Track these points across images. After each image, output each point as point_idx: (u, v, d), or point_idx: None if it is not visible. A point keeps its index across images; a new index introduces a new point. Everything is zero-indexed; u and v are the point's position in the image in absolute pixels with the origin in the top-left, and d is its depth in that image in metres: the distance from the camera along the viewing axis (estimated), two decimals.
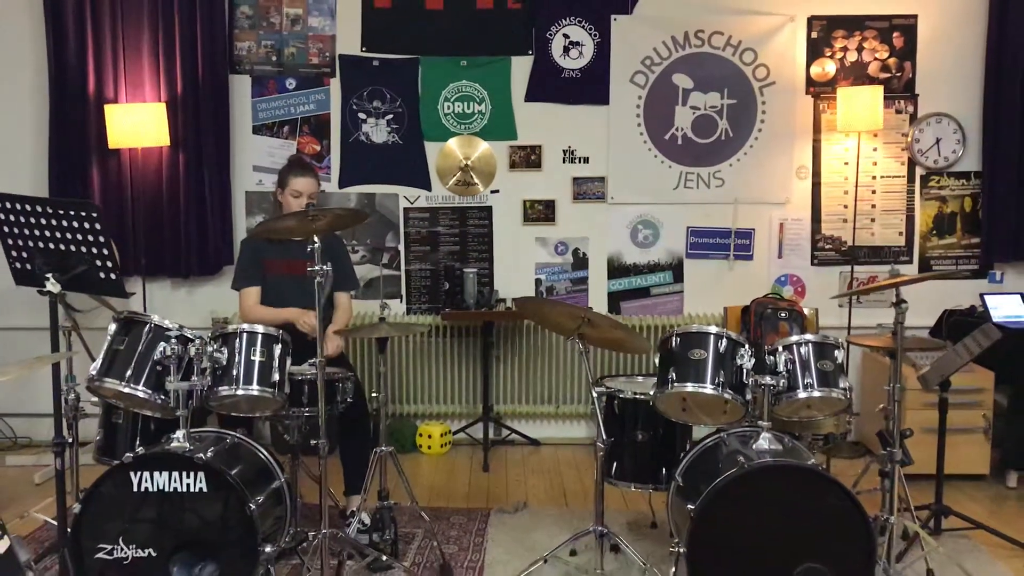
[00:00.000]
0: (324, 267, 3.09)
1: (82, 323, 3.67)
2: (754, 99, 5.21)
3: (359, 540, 3.53)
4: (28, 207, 3.06)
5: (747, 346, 3.25)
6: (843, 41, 5.17)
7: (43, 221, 3.06)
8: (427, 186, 5.27)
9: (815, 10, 5.16)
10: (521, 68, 5.21)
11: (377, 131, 5.23)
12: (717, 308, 5.18)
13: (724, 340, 3.24)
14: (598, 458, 3.26)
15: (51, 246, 3.08)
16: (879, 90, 4.98)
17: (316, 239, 3.08)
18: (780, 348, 3.25)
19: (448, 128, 5.23)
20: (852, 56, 5.18)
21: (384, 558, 3.46)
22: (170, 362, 3.08)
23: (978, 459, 4.52)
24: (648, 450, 3.52)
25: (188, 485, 2.98)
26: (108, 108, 4.88)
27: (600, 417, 3.26)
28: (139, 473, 2.97)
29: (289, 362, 3.32)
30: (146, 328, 3.16)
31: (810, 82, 5.20)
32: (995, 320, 4.59)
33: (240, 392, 3.18)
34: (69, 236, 3.06)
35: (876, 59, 5.18)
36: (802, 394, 3.20)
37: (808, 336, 3.31)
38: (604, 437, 3.23)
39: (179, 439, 3.07)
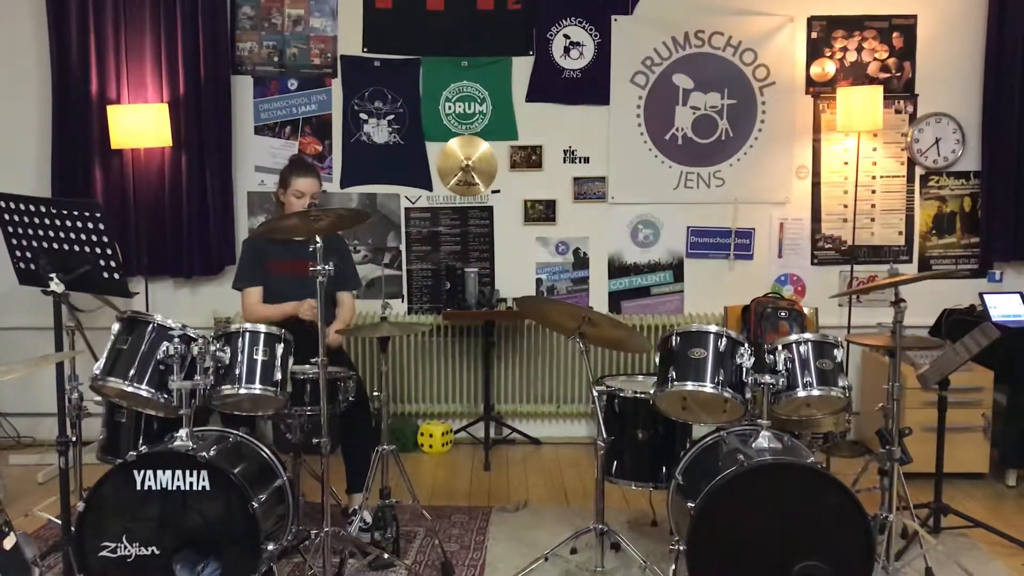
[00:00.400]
0: (326, 267, 3.10)
1: (85, 323, 3.69)
2: (754, 99, 5.22)
3: (361, 538, 3.54)
4: (32, 207, 3.08)
5: (747, 345, 3.27)
6: (843, 41, 5.18)
7: (47, 221, 3.07)
8: (428, 186, 5.28)
9: (815, 10, 5.17)
10: (522, 68, 5.22)
11: (378, 131, 5.25)
12: (717, 307, 5.20)
13: (724, 339, 3.26)
14: (598, 457, 3.28)
15: (55, 246, 3.10)
16: (879, 90, 4.99)
17: (318, 239, 3.10)
18: (779, 347, 3.26)
19: (449, 128, 5.25)
20: (852, 56, 5.19)
21: (386, 556, 3.48)
22: (173, 361, 3.09)
23: (977, 458, 4.53)
24: (648, 449, 3.54)
25: (191, 484, 2.99)
26: (110, 109, 4.89)
27: (600, 416, 3.28)
28: (142, 472, 2.99)
29: (291, 361, 3.34)
30: (149, 328, 3.18)
31: (810, 82, 5.21)
32: (994, 319, 4.60)
33: (243, 391, 3.20)
34: (72, 236, 3.07)
35: (876, 59, 5.19)
36: (801, 393, 3.22)
37: (807, 335, 3.32)
38: (604, 436, 3.25)
39: (182, 438, 3.08)
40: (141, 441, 3.41)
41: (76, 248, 3.09)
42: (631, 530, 3.95)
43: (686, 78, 5.22)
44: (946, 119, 5.19)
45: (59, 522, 3.14)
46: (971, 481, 4.53)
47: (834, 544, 2.99)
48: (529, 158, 5.27)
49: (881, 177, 5.27)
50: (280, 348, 3.28)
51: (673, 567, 3.16)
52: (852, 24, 5.18)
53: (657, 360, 3.37)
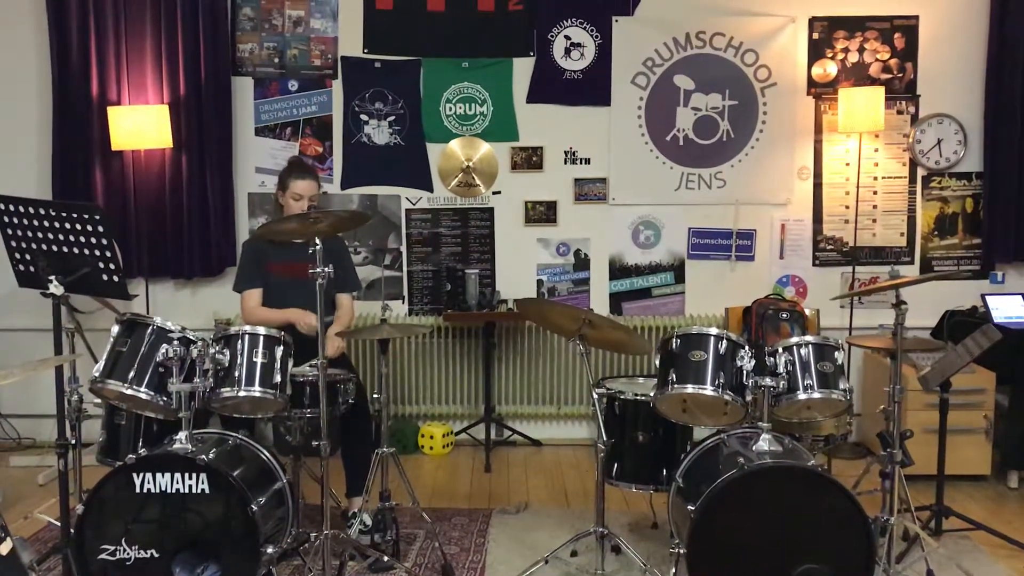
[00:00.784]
0: (326, 269, 3.10)
1: (85, 324, 3.70)
2: (755, 100, 5.21)
3: (361, 541, 3.53)
4: (32, 210, 3.08)
5: (747, 347, 3.26)
6: (844, 42, 5.17)
7: (47, 224, 3.07)
8: (429, 187, 5.28)
9: (816, 11, 5.16)
10: (523, 69, 5.22)
11: (379, 132, 5.24)
12: (718, 309, 5.19)
13: (724, 341, 3.25)
14: (599, 459, 3.28)
15: (54, 248, 3.10)
16: (880, 91, 4.98)
17: (318, 241, 3.09)
18: (780, 349, 3.26)
19: (450, 129, 5.25)
20: (853, 57, 5.18)
21: (385, 559, 3.47)
22: (172, 364, 3.09)
23: (979, 460, 4.52)
24: (649, 451, 3.53)
25: (190, 486, 2.99)
26: (111, 110, 4.89)
27: (601, 418, 3.27)
28: (142, 474, 2.99)
29: (291, 363, 3.33)
30: (149, 330, 3.18)
31: (811, 83, 5.20)
32: (996, 321, 4.59)
33: (242, 394, 3.20)
34: (72, 239, 3.07)
35: (877, 60, 5.18)
36: (802, 395, 3.21)
37: (808, 337, 3.32)
38: (605, 438, 3.24)
39: (181, 440, 3.08)
40: (140, 443, 3.41)
41: (76, 250, 3.08)
42: (631, 532, 3.94)
43: (687, 79, 5.21)
44: (948, 120, 5.18)
45: (59, 524, 3.13)
46: (973, 483, 4.52)
47: (835, 547, 2.98)
48: (530, 159, 5.27)
49: (883, 178, 5.26)
50: (280, 351, 3.28)
51: (673, 570, 3.15)
52: (854, 25, 5.17)
53: (657, 362, 3.36)
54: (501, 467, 4.94)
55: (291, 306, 3.88)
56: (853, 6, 5.15)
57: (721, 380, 3.19)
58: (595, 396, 3.30)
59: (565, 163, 5.27)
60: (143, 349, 3.16)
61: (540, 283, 5.34)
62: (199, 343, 3.19)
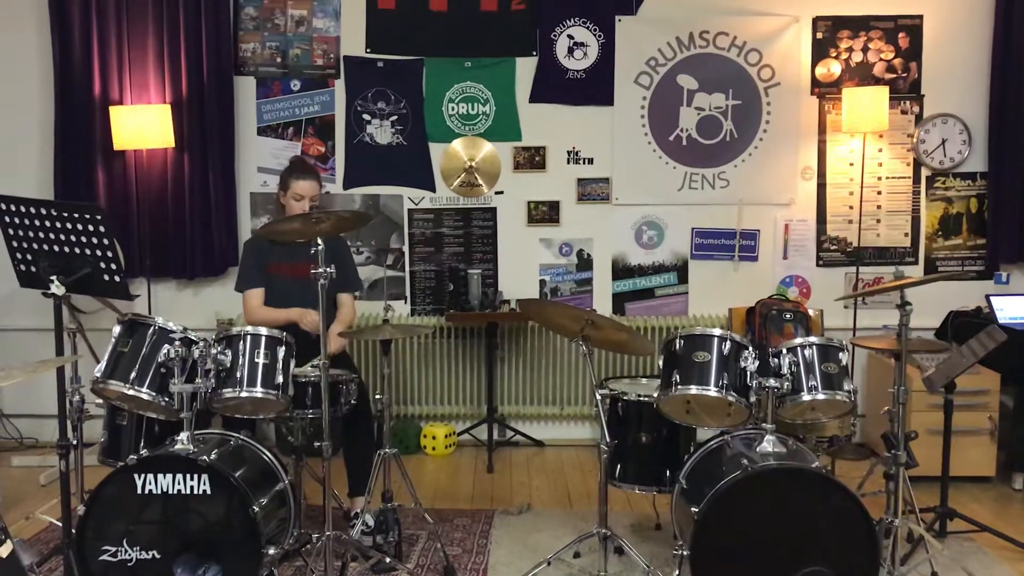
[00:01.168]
0: (328, 269, 3.09)
1: (86, 324, 3.68)
2: (759, 100, 5.20)
3: (363, 542, 3.52)
4: (33, 210, 3.07)
5: (751, 348, 3.25)
6: (848, 41, 5.16)
7: (48, 224, 3.06)
8: (431, 187, 5.27)
9: (820, 10, 5.14)
10: (525, 69, 5.20)
11: (381, 132, 5.23)
12: (722, 309, 5.18)
13: (728, 342, 3.24)
14: (602, 460, 3.26)
15: (56, 248, 3.09)
16: (884, 91, 4.96)
17: (320, 241, 3.08)
18: (784, 350, 3.25)
19: (452, 129, 5.23)
20: (857, 57, 5.16)
21: (388, 560, 3.46)
22: (174, 364, 3.09)
23: (983, 461, 4.50)
24: (652, 452, 3.52)
25: (192, 487, 2.99)
26: (113, 110, 4.89)
27: (604, 419, 3.26)
28: (143, 475, 2.99)
29: (293, 364, 3.32)
30: (150, 330, 3.18)
31: (815, 83, 5.19)
32: (1001, 322, 4.57)
33: (244, 394, 3.19)
34: (74, 239, 3.06)
35: (881, 59, 5.16)
36: (806, 396, 3.20)
37: (812, 338, 3.30)
38: (608, 439, 3.23)
39: (183, 441, 3.08)
40: (142, 444, 3.42)
41: (77, 250, 3.07)
42: (634, 534, 3.93)
43: (690, 79, 5.19)
44: (952, 120, 5.16)
45: (60, 525, 3.12)
46: (977, 484, 4.50)
47: (839, 549, 2.97)
48: (533, 159, 5.26)
49: (887, 178, 5.24)
50: (281, 351, 3.27)
51: (677, 572, 3.14)
52: (858, 24, 5.15)
53: (661, 363, 3.35)
54: (503, 468, 4.93)
55: (293, 306, 3.87)
56: (857, 5, 5.14)
57: (725, 381, 3.18)
58: (598, 397, 3.28)
59: (568, 163, 5.26)
60: (145, 350, 3.15)
61: (543, 283, 5.33)
62: (201, 343, 3.18)
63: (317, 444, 3.23)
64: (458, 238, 5.31)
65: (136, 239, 5.04)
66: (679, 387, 3.21)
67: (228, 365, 3.20)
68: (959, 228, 5.26)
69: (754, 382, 3.19)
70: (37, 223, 3.07)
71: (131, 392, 3.12)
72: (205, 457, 3.00)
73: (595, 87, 5.20)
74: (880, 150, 5.21)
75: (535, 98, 5.22)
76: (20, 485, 4.56)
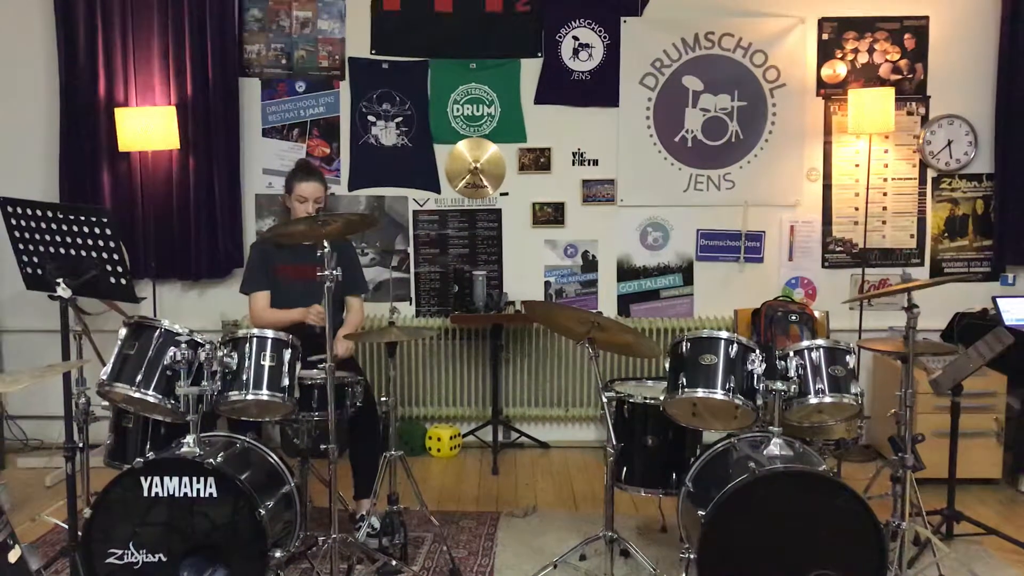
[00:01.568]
0: (334, 272, 3.09)
1: (92, 325, 3.69)
2: (764, 101, 5.19)
3: (368, 544, 3.53)
4: (40, 212, 3.07)
5: (758, 351, 3.24)
6: (854, 43, 5.15)
7: (54, 226, 3.07)
8: (436, 189, 5.26)
9: (826, 12, 5.13)
10: (530, 70, 5.20)
11: (386, 134, 5.23)
12: (727, 311, 5.17)
13: (735, 345, 3.23)
14: (608, 463, 3.26)
15: (62, 251, 3.09)
16: (890, 92, 4.95)
17: (326, 244, 3.08)
18: (791, 353, 3.24)
19: (457, 131, 5.23)
20: (863, 58, 5.15)
21: (394, 563, 3.46)
22: (180, 367, 3.09)
23: (990, 463, 4.49)
24: (658, 455, 3.51)
25: (198, 490, 2.99)
26: (118, 111, 4.89)
27: (610, 422, 3.25)
28: (149, 478, 2.99)
29: (299, 366, 3.32)
30: (156, 333, 3.17)
31: (821, 84, 5.18)
32: (1007, 324, 4.56)
33: (250, 397, 3.19)
34: (80, 241, 3.07)
35: (887, 61, 5.15)
36: (813, 399, 3.19)
37: (819, 341, 3.29)
38: (614, 442, 3.22)
39: (189, 444, 3.08)
40: (148, 446, 3.41)
41: (83, 253, 3.08)
42: (640, 537, 3.92)
43: (696, 80, 5.19)
44: (958, 121, 5.15)
45: (67, 527, 3.13)
46: (984, 487, 4.49)
47: (846, 552, 2.97)
48: (538, 160, 5.25)
49: (893, 179, 5.23)
50: (287, 354, 3.27)
51: (683, 575, 3.13)
52: (863, 25, 5.14)
53: (667, 366, 3.34)
54: (509, 469, 4.92)
55: (298, 308, 3.87)
56: (863, 7, 5.12)
57: (732, 384, 3.17)
58: (604, 400, 3.27)
59: (573, 164, 5.25)
60: (151, 352, 3.15)
61: (548, 285, 5.32)
62: (207, 346, 3.18)
63: (323, 446, 3.23)
64: (463, 240, 5.30)
65: (141, 241, 5.04)
66: (686, 390, 3.20)
67: (234, 367, 3.20)
68: (965, 229, 5.25)
69: (761, 385, 3.18)
70: (44, 226, 3.08)
71: (137, 395, 3.12)
72: (211, 460, 3.01)
73: (600, 88, 5.19)
74: (886, 151, 5.20)
75: (540, 99, 5.21)
76: (26, 487, 4.56)
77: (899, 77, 5.15)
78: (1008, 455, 4.55)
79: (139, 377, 3.12)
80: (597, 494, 4.49)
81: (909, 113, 5.17)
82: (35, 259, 3.14)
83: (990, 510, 4.23)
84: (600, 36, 5.17)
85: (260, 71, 5.19)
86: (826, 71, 5.17)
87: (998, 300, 4.77)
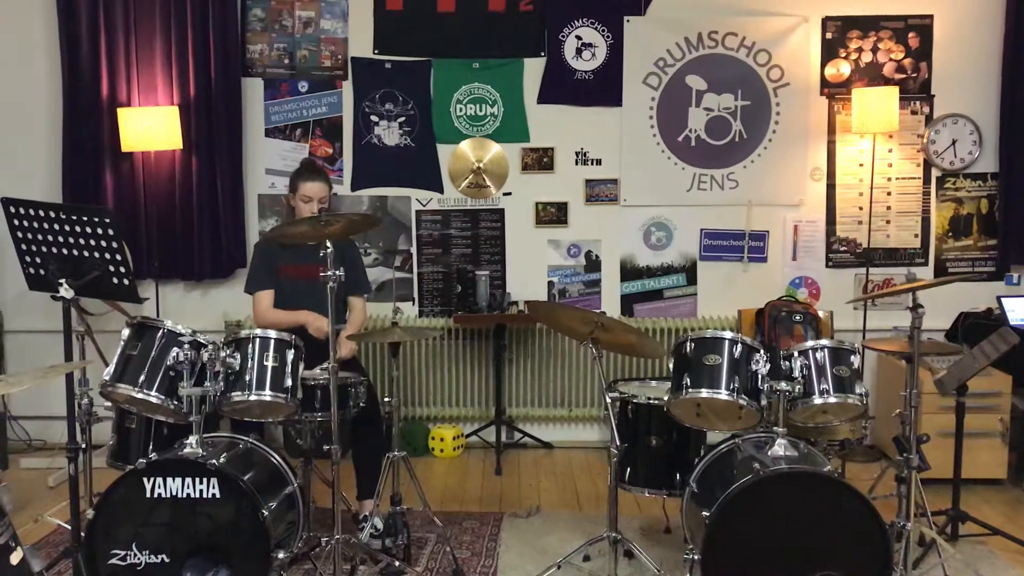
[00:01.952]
0: (337, 272, 3.08)
1: (95, 326, 3.68)
2: (768, 100, 5.18)
3: (372, 545, 3.52)
4: (43, 213, 3.06)
5: (762, 351, 3.23)
6: (858, 42, 5.13)
7: (57, 227, 3.06)
8: (439, 188, 5.26)
9: (829, 11, 5.12)
10: (533, 70, 5.19)
11: (389, 133, 5.22)
12: (731, 311, 5.16)
13: (739, 345, 3.22)
14: (612, 463, 3.24)
15: (64, 252, 3.08)
16: (894, 91, 4.93)
17: (329, 244, 3.08)
18: (796, 353, 3.23)
19: (460, 130, 5.22)
20: (867, 57, 5.14)
21: (397, 563, 3.45)
22: (183, 367, 3.09)
23: (995, 464, 4.47)
24: (662, 455, 3.50)
25: (201, 491, 2.99)
26: (121, 112, 4.89)
27: (614, 422, 3.24)
28: (152, 479, 2.99)
29: (302, 367, 3.32)
30: (159, 333, 3.16)
31: (824, 83, 5.16)
32: (1012, 323, 4.55)
33: (253, 397, 3.18)
34: (83, 242, 3.06)
35: (891, 60, 5.14)
36: (818, 400, 3.18)
37: (824, 341, 3.28)
38: (618, 442, 3.21)
39: (192, 444, 3.07)
40: (151, 447, 3.40)
41: (86, 254, 3.07)
42: (644, 537, 3.91)
43: (699, 79, 5.17)
44: (963, 120, 5.14)
45: (69, 528, 3.12)
46: (989, 487, 4.47)
47: (851, 553, 2.96)
48: (541, 160, 5.24)
49: (897, 179, 5.22)
50: (291, 354, 3.26)
51: None
52: (867, 24, 5.13)
53: (671, 366, 3.33)
54: (512, 470, 4.91)
55: (302, 308, 3.87)
56: (867, 5, 5.11)
57: (736, 384, 3.16)
58: (608, 400, 3.27)
59: (576, 164, 5.24)
60: (153, 353, 3.14)
61: (551, 285, 5.32)
62: (209, 346, 3.18)
63: (326, 447, 3.22)
64: (466, 240, 5.29)
65: (144, 241, 5.03)
66: (690, 390, 3.19)
67: (237, 368, 3.19)
68: (969, 229, 5.24)
69: (765, 385, 3.17)
70: (47, 226, 3.07)
71: (140, 395, 3.12)
72: (214, 461, 3.00)
73: (603, 88, 5.18)
74: (890, 151, 5.19)
75: (543, 99, 5.20)
76: (29, 487, 4.56)
77: (903, 76, 5.13)
78: (1013, 455, 4.54)
79: (142, 378, 3.12)
80: (600, 494, 4.49)
81: (913, 112, 5.16)
82: (38, 259, 3.14)
83: (995, 510, 4.21)
84: (603, 35, 5.16)
85: (263, 71, 5.19)
86: (830, 70, 5.15)
87: (1003, 300, 4.75)
